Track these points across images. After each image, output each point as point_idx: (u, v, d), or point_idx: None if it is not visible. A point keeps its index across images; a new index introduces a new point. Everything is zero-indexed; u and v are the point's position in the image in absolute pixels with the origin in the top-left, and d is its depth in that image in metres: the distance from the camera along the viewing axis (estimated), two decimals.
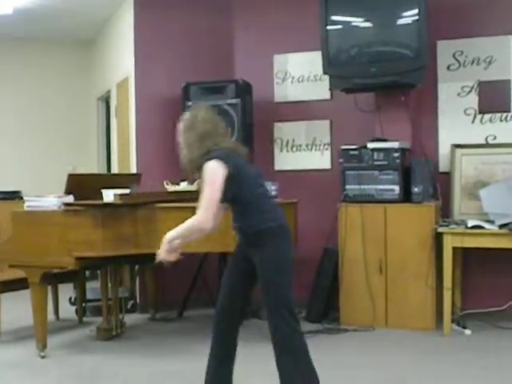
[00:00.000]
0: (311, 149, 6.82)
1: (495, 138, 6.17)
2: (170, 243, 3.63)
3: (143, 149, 6.95)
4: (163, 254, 3.65)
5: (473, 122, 6.24)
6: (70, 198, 5.15)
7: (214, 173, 3.59)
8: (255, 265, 3.68)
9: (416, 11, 5.64)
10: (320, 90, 6.71)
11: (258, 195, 3.73)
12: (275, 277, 3.61)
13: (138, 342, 5.66)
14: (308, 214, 6.34)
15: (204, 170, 3.62)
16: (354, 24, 6.00)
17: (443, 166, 6.31)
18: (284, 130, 6.93)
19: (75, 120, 9.73)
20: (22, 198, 7.99)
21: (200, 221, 3.56)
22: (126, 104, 7.32)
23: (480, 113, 6.22)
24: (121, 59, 7.70)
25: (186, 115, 3.86)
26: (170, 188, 5.86)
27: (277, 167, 6.95)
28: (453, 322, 5.74)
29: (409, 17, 5.71)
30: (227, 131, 3.96)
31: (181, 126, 3.81)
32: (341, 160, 6.07)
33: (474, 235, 5.53)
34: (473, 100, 6.24)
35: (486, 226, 5.52)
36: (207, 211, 3.55)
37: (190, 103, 6.51)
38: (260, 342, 5.25)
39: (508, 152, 6.03)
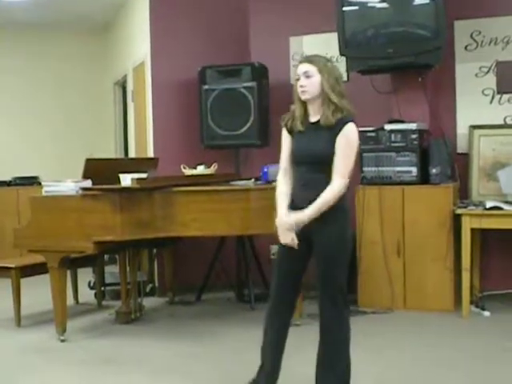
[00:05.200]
0: None
1: None
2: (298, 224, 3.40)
3: (160, 133, 6.96)
4: (290, 237, 3.43)
5: (491, 102, 6.19)
6: (88, 183, 5.17)
7: (356, 138, 3.47)
8: (315, 242, 3.50)
9: None
10: None
11: None
12: (342, 253, 3.51)
13: (156, 325, 5.69)
14: None
15: (347, 130, 3.46)
16: (370, 5, 5.95)
17: (461, 147, 6.27)
18: None
19: (92, 105, 9.77)
20: (40, 184, 8.01)
21: (342, 189, 3.39)
22: (143, 88, 7.33)
23: (498, 93, 6.17)
24: (137, 44, 7.70)
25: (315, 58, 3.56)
26: (187, 172, 5.87)
27: None
28: (471, 303, 5.73)
29: None
30: None
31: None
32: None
33: (492, 216, 5.50)
34: (491, 80, 6.19)
35: (505, 206, 5.49)
36: (345, 178, 3.38)
37: (206, 87, 6.51)
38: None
39: None
